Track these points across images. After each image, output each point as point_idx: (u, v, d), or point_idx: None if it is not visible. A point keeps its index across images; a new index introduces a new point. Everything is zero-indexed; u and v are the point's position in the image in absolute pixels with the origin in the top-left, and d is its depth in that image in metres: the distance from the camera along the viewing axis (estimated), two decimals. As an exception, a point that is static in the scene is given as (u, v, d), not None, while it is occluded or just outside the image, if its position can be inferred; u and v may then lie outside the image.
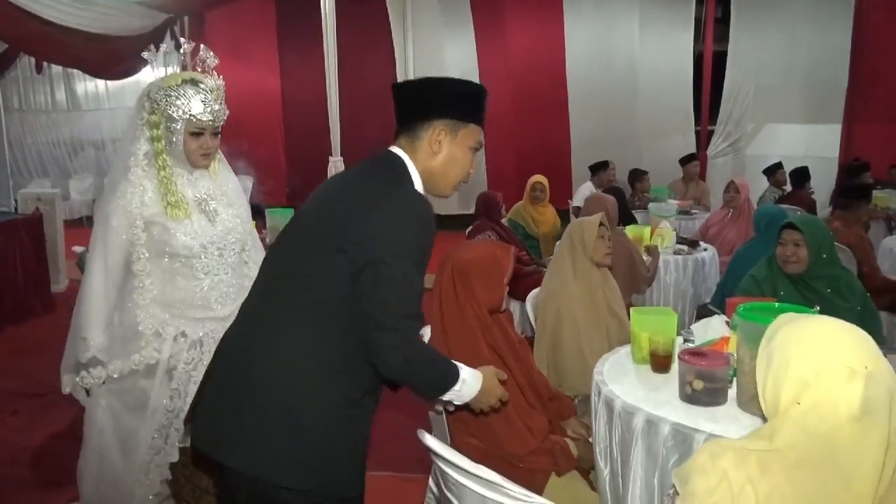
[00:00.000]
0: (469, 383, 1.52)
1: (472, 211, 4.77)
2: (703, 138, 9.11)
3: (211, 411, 1.48)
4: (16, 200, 6.11)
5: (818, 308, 2.40)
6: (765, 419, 1.08)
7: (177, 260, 2.03)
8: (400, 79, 9.56)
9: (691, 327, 1.88)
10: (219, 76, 2.11)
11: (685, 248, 4.03)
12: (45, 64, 10.34)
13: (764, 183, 6.41)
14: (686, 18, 8.83)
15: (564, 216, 5.75)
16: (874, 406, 0.96)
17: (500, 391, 1.62)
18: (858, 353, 0.99)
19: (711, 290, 3.86)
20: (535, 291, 2.76)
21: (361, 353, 1.39)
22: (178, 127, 2.01)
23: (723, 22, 8.86)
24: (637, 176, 6.32)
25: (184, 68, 2.38)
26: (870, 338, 1.02)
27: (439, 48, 9.46)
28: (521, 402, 1.87)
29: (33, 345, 4.74)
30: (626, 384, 1.86)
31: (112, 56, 9.14)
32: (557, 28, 9.15)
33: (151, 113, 2.02)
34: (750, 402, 1.62)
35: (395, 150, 1.57)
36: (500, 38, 9.32)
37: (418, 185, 1.53)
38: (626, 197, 5.84)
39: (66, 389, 2.08)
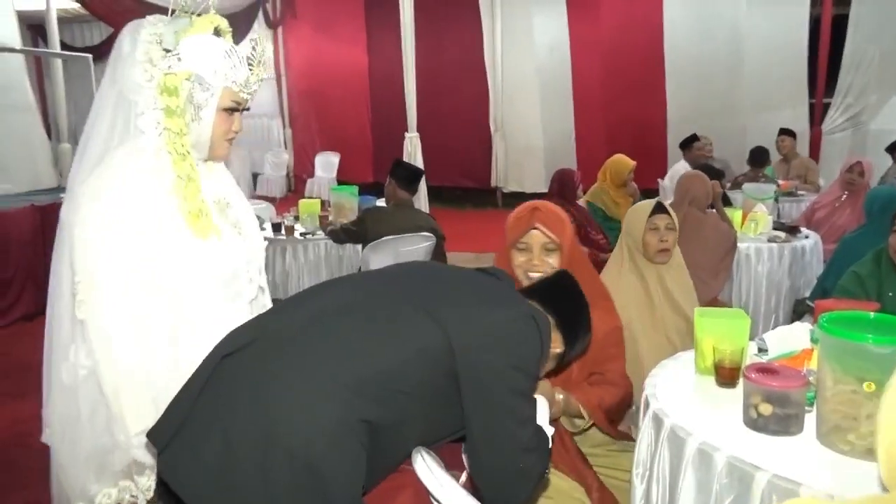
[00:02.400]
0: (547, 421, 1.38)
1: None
2: (818, 112, 8.27)
3: (193, 443, 1.14)
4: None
5: (935, 315, 2.02)
6: (884, 488, 0.78)
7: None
8: (487, 52, 9.30)
9: (765, 335, 1.57)
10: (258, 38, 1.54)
11: (781, 234, 3.58)
12: (148, 44, 10.79)
13: (886, 161, 5.70)
14: (802, -22, 8.00)
15: (652, 196, 5.33)
16: None
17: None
18: None
19: (812, 282, 3.42)
20: (593, 283, 2.48)
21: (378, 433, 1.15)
22: (209, 99, 1.40)
23: (844, -17, 7.97)
24: (762, 156, 5.68)
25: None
26: None
27: (528, 18, 9.10)
28: None
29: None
30: (682, 399, 1.58)
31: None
32: (655, -6, 8.56)
33: (168, 71, 1.36)
34: (831, 435, 1.31)
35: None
36: (593, 6, 8.85)
37: None
38: (725, 176, 5.34)
39: None
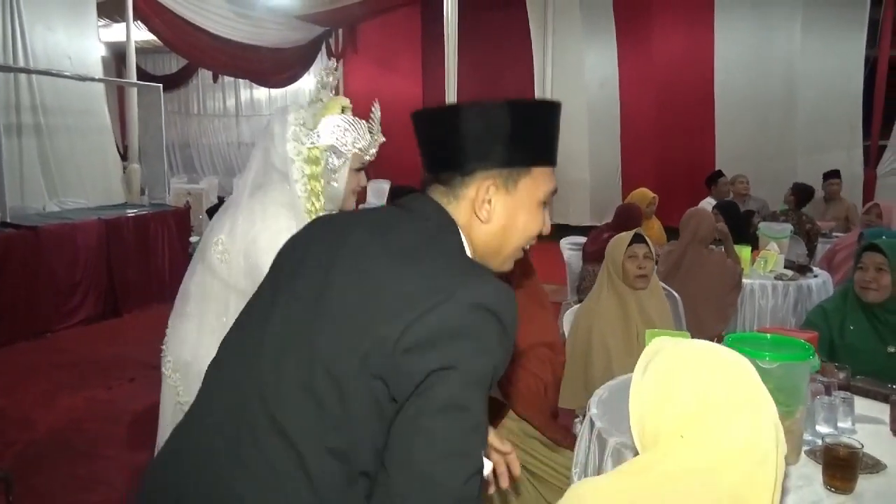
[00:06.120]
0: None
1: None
2: (873, 154, 8.11)
3: None
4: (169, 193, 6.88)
5: (893, 349, 2.10)
6: (637, 452, 0.97)
7: None
8: (538, 86, 9.53)
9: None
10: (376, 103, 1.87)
11: (789, 273, 3.63)
12: (219, 75, 11.58)
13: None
14: (858, 19, 7.90)
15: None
16: (760, 440, 0.87)
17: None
18: (745, 384, 0.91)
19: (819, 321, 3.44)
20: (573, 308, 2.64)
21: None
22: (342, 163, 1.76)
23: (903, 24, 7.84)
24: (806, 194, 5.57)
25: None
26: (752, 368, 0.92)
27: (578, 54, 9.30)
28: None
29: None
30: (619, 410, 1.74)
31: (274, 66, 10.06)
32: (707, 33, 8.64)
33: (312, 146, 1.72)
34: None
35: (436, 199, 1.00)
36: (644, 43, 8.99)
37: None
38: (760, 213, 5.35)
39: None
